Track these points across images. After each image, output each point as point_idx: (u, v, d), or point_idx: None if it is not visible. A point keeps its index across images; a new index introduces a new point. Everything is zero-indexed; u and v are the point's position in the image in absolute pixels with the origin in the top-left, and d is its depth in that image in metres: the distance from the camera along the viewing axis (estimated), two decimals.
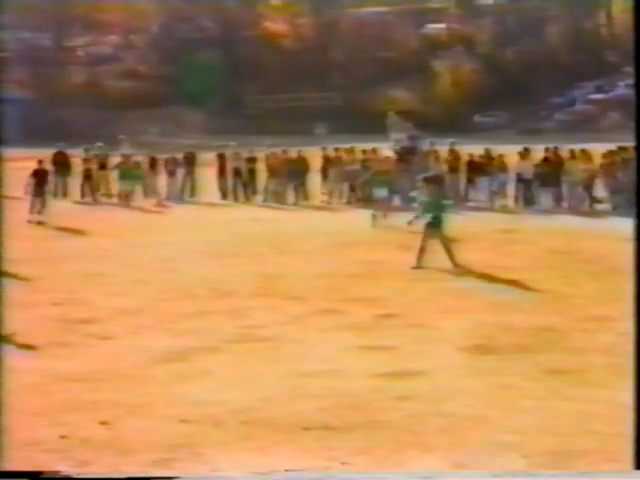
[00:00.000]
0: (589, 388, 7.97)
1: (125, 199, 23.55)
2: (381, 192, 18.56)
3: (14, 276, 12.15)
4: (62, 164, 24.54)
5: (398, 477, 6.13)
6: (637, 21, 5.55)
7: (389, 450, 6.66)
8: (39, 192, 20.42)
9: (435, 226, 13.53)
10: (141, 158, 25.20)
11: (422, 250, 13.51)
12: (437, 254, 13.63)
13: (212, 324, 10.46)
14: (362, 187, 20.90)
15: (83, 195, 24.34)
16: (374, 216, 18.08)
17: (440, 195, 14.37)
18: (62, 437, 6.78)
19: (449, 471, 6.29)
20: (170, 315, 10.88)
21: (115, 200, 23.74)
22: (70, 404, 7.57)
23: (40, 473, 5.67)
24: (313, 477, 6.15)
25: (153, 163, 25.16)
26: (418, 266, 13.42)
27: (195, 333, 10.01)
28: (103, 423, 7.19)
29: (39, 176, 20.88)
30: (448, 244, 13.53)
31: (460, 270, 13.27)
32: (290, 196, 23.60)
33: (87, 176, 24.44)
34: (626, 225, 18.80)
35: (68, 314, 10.91)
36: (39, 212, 19.90)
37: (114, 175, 24.09)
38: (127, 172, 23.76)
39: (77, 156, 25.37)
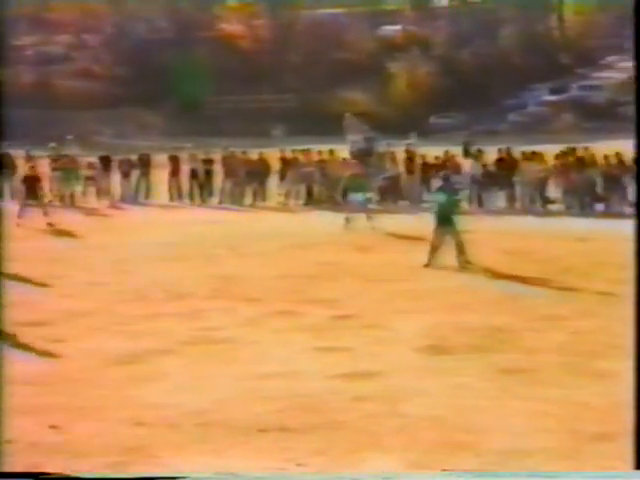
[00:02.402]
0: (542, 387, 8.05)
1: (70, 200, 23.26)
2: (357, 196, 18.77)
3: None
4: (7, 166, 24.11)
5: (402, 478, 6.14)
6: (637, 21, 5.63)
7: (345, 451, 6.67)
8: (33, 197, 19.84)
9: (450, 223, 13.75)
10: (94, 159, 24.88)
11: (434, 248, 13.71)
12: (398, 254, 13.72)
13: (167, 326, 10.39)
14: (340, 191, 21.22)
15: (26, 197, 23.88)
16: (347, 219, 18.19)
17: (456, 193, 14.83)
18: (8, 442, 6.67)
19: (408, 472, 6.32)
20: (124, 317, 10.78)
21: (59, 202, 23.34)
22: (18, 408, 7.45)
23: (40, 473, 5.64)
24: (320, 477, 6.15)
25: (106, 164, 24.87)
26: (429, 264, 13.64)
27: (150, 335, 9.93)
28: (53, 427, 7.10)
29: (30, 181, 20.35)
30: (461, 242, 13.74)
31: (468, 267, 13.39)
32: (247, 197, 23.55)
33: (28, 177, 24.01)
34: (579, 225, 19.06)
35: (18, 316, 10.75)
36: (45, 214, 19.45)
37: (57, 176, 23.69)
38: (71, 173, 23.49)
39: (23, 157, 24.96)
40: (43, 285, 12.72)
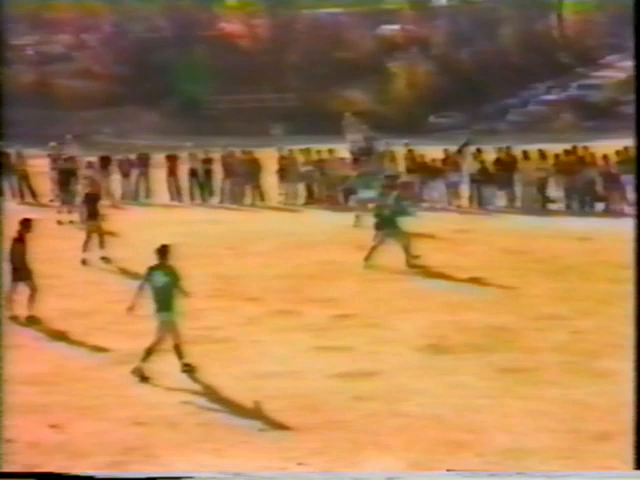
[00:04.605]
0: (542, 386, 8.05)
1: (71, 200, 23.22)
2: (367, 193, 18.78)
3: None
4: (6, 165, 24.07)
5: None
6: (637, 21, 5.63)
7: (345, 450, 6.68)
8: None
9: (393, 225, 13.66)
10: (93, 159, 24.84)
11: (374, 248, 13.64)
12: (392, 253, 13.68)
13: None
14: (343, 190, 21.16)
15: (22, 196, 23.86)
16: (357, 217, 18.22)
17: (398, 195, 14.60)
18: (8, 441, 6.67)
19: (408, 471, 6.32)
20: (123, 317, 10.75)
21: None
22: (18, 407, 7.45)
23: (41, 473, 5.66)
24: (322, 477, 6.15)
25: (106, 164, 24.82)
26: (370, 265, 13.53)
27: (149, 335, 9.91)
28: (53, 426, 7.10)
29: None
30: (407, 243, 13.64)
31: (415, 269, 13.34)
32: (247, 197, 23.52)
33: (23, 176, 24.00)
34: (578, 224, 19.00)
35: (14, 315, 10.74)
36: (69, 212, 19.83)
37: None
38: (71, 173, 23.45)
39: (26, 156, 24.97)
40: (39, 284, 12.64)
